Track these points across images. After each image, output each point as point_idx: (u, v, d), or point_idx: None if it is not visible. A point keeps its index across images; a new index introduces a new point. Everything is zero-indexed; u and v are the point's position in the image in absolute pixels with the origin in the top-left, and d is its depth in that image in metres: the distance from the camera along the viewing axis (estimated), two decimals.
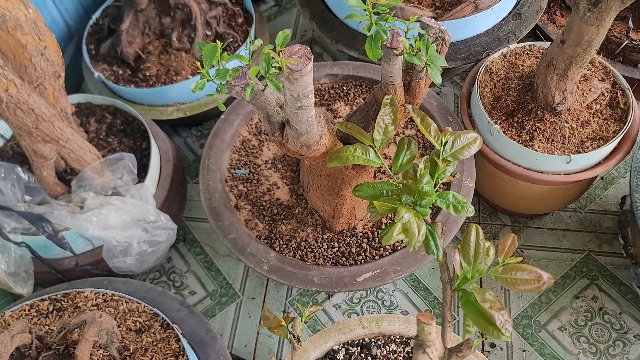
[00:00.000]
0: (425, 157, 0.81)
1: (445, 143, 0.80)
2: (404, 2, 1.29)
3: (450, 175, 1.05)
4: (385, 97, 0.79)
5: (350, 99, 1.24)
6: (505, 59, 1.21)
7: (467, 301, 0.75)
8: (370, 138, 0.80)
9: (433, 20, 0.80)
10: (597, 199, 1.37)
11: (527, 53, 1.22)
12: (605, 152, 1.10)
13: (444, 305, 0.78)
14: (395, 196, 0.80)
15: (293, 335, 0.69)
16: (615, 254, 1.27)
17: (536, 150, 1.08)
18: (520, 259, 0.75)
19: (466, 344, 0.64)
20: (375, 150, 0.80)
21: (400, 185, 0.79)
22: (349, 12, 0.70)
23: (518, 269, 0.76)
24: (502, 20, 1.32)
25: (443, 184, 1.10)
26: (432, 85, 1.54)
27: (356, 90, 1.25)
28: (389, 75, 0.78)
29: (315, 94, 1.26)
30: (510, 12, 1.33)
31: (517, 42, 1.27)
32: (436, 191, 0.80)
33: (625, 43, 1.31)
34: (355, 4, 0.66)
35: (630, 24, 1.32)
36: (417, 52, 0.74)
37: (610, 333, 1.18)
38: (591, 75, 1.16)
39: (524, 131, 1.10)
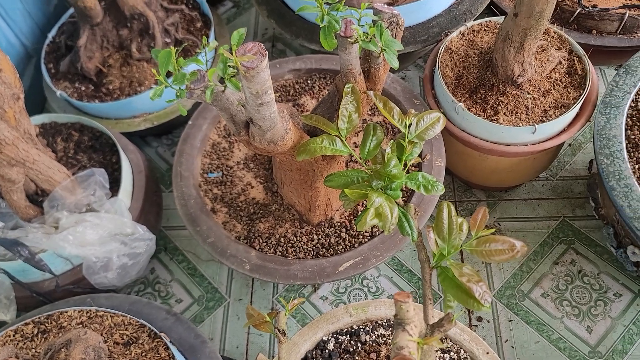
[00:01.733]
0: (392, 141, 0.83)
1: (410, 125, 0.82)
2: None
3: (419, 156, 1.07)
4: (346, 86, 0.80)
5: (315, 92, 1.25)
6: (464, 38, 1.22)
7: (445, 277, 0.76)
8: (336, 128, 0.81)
9: (386, 5, 0.81)
10: (567, 166, 1.40)
11: (484, 29, 1.23)
12: (568, 118, 1.12)
13: (424, 283, 0.79)
14: (366, 182, 0.81)
15: (278, 330, 0.69)
16: (589, 217, 1.30)
17: (501, 123, 1.10)
18: (493, 230, 0.77)
19: (447, 319, 0.65)
20: (341, 139, 0.81)
21: (370, 171, 0.80)
22: (302, 5, 0.71)
23: (492, 241, 0.77)
24: (457, 0, 1.34)
25: (414, 165, 1.12)
26: (397, 70, 1.56)
27: (321, 82, 1.26)
28: (347, 64, 0.78)
29: (280, 90, 1.26)
30: None
31: (474, 20, 1.28)
32: (406, 173, 0.82)
33: (578, 11, 1.34)
34: None
35: None
36: (371, 38, 0.74)
37: (591, 294, 1.21)
38: (548, 45, 1.18)
39: (488, 106, 1.12)
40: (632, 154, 1.05)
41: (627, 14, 1.30)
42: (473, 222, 0.78)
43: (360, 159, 0.80)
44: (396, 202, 0.79)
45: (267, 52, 0.62)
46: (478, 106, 1.13)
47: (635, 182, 1.00)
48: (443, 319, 0.67)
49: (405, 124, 0.81)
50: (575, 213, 1.32)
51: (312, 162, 0.90)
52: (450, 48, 1.20)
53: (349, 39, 0.73)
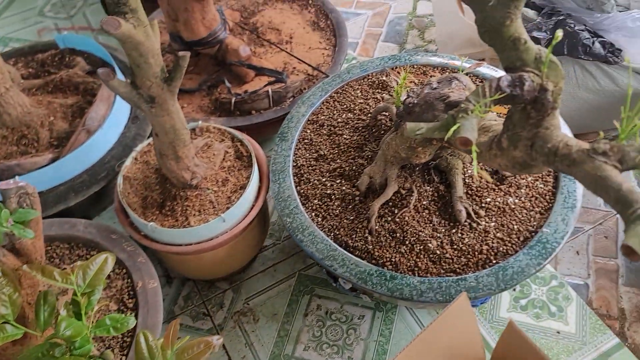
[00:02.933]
0: (66, 301, 0.84)
1: (78, 278, 0.84)
2: (21, 156, 1.30)
3: (133, 286, 1.07)
4: None
5: None
6: (138, 161, 1.30)
7: None
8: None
9: (11, 181, 0.83)
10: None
11: (149, 150, 1.33)
12: (250, 196, 1.25)
13: None
14: (51, 353, 0.80)
15: None
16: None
17: (194, 225, 1.19)
18: (188, 337, 0.82)
19: None
20: (11, 323, 0.79)
21: (49, 342, 0.79)
22: None
23: (189, 347, 0.83)
24: (124, 129, 1.42)
25: (130, 297, 1.13)
26: (106, 206, 1.57)
27: None
28: None
29: None
30: (128, 118, 1.44)
31: (145, 141, 1.37)
32: (96, 321, 0.83)
33: (233, 100, 1.53)
34: None
35: (228, 84, 1.54)
36: None
37: (342, 327, 1.34)
38: (211, 141, 1.32)
39: (178, 215, 1.20)
40: (306, 205, 1.21)
41: (271, 91, 1.52)
42: (166, 340, 0.82)
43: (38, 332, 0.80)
44: (93, 354, 0.79)
45: None
46: (170, 218, 1.21)
47: (316, 228, 1.16)
48: None
49: (71, 281, 0.83)
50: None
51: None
52: (128, 176, 1.27)
53: None
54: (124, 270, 1.15)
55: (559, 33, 0.64)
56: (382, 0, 2.35)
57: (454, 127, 0.66)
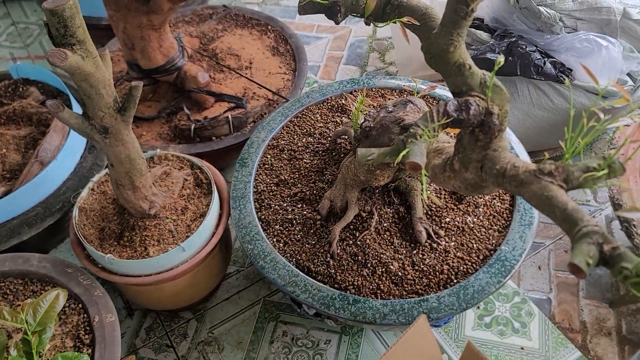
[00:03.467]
0: (16, 341, 0.81)
1: (29, 316, 0.81)
2: None
3: (89, 322, 1.05)
4: None
5: None
6: (95, 192, 1.27)
7: None
8: None
9: None
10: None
11: (107, 180, 1.30)
12: (210, 224, 1.24)
13: None
14: None
15: None
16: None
17: (153, 256, 1.16)
18: None
19: None
20: None
21: None
22: None
23: None
24: (80, 159, 1.39)
25: (87, 332, 1.10)
26: (63, 239, 1.53)
27: None
28: None
29: None
30: (85, 148, 1.41)
31: (102, 170, 1.35)
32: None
33: (193, 126, 1.52)
34: None
35: (187, 110, 1.53)
36: None
37: (308, 353, 1.32)
38: (170, 169, 1.30)
39: (137, 245, 1.18)
40: (267, 231, 1.20)
41: (231, 117, 1.51)
42: None
43: None
44: None
45: None
46: (128, 249, 1.18)
47: (278, 254, 1.15)
48: None
49: (22, 319, 0.80)
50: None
51: None
52: (84, 207, 1.24)
53: None
54: (80, 305, 1.12)
55: (501, 59, 0.65)
56: (343, 24, 2.39)
57: (404, 152, 0.66)
